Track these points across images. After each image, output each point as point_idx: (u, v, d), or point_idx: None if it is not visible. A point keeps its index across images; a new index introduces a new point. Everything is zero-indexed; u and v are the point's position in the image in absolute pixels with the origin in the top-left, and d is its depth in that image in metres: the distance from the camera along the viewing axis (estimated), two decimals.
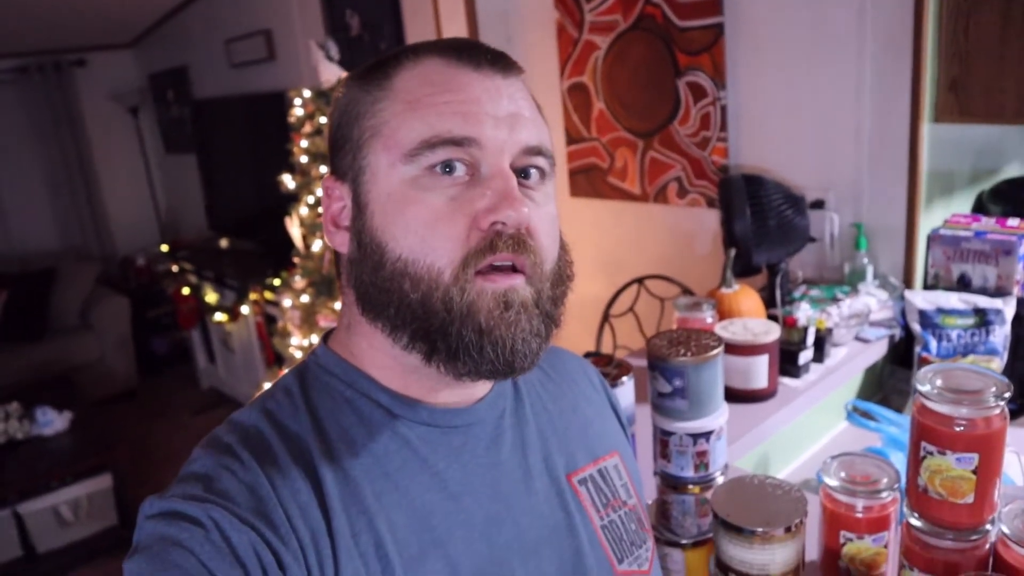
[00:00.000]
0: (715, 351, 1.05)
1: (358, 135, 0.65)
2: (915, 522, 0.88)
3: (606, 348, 2.39)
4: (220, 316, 4.31)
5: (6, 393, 3.71)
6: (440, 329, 0.61)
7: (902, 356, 1.83)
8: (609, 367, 1.21)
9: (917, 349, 1.72)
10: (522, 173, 0.64)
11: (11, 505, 3.04)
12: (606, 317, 2.41)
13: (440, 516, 0.65)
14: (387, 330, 0.64)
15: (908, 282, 1.90)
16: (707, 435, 1.06)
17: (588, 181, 2.73)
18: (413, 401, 0.67)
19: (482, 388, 0.71)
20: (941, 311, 1.69)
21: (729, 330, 1.52)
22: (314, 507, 0.60)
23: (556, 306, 0.66)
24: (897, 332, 1.78)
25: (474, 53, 0.65)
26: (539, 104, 0.69)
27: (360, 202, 0.65)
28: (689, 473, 1.08)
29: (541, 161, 0.66)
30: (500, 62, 0.65)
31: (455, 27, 2.88)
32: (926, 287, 1.86)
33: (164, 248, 5.46)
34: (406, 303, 0.62)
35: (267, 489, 0.59)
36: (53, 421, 3.38)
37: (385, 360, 0.67)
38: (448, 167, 0.61)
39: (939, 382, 0.84)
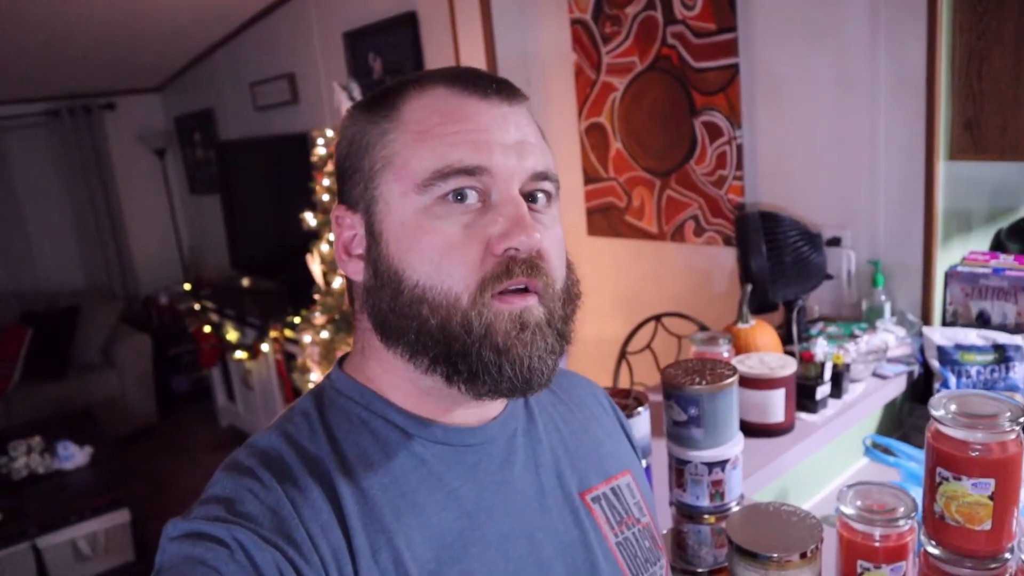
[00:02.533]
0: (730, 380, 1.05)
1: (368, 166, 0.67)
2: (932, 550, 0.88)
3: (623, 384, 2.39)
4: (240, 354, 4.35)
5: (29, 427, 3.75)
6: (460, 351, 0.63)
7: (921, 393, 1.82)
8: (627, 399, 1.22)
9: (936, 386, 1.71)
10: (530, 197, 0.67)
11: (30, 538, 3.04)
12: (623, 354, 2.41)
13: (456, 533, 0.66)
14: (407, 355, 0.66)
15: (926, 319, 1.90)
16: (722, 464, 1.07)
17: (606, 220, 2.76)
18: (428, 421, 0.69)
19: (495, 408, 0.73)
20: (960, 347, 1.69)
21: (745, 364, 1.52)
22: (334, 526, 0.61)
23: (567, 324, 0.68)
24: (915, 369, 1.78)
25: (480, 82, 0.67)
26: (541, 128, 0.71)
27: (374, 231, 0.66)
28: (705, 503, 1.08)
29: (547, 185, 0.68)
30: (505, 90, 0.67)
31: None
32: (944, 324, 1.85)
33: (187, 287, 5.54)
34: (426, 328, 0.63)
35: (289, 509, 0.60)
36: (74, 456, 3.40)
37: (400, 382, 0.69)
38: (460, 195, 0.63)
39: (953, 407, 0.84)
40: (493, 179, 0.64)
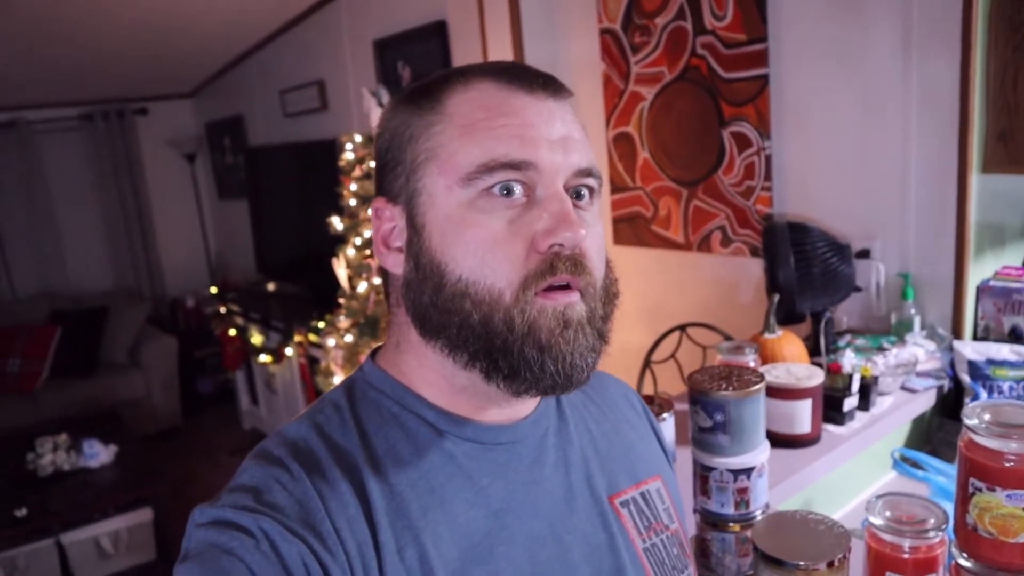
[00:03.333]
0: (757, 386, 1.04)
1: (412, 158, 0.66)
2: (964, 563, 0.86)
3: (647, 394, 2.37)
4: (265, 357, 4.38)
5: (56, 425, 3.80)
6: (502, 348, 0.62)
7: (951, 408, 1.79)
8: (652, 406, 1.21)
9: (967, 400, 1.68)
10: (575, 194, 0.66)
11: (54, 535, 3.08)
12: (647, 363, 2.40)
13: (483, 532, 0.65)
14: (446, 349, 0.65)
15: (957, 333, 1.87)
16: (748, 471, 1.06)
17: (632, 230, 2.75)
18: (459, 418, 0.68)
19: (526, 407, 0.72)
20: (992, 362, 1.66)
21: (772, 374, 1.50)
22: (361, 520, 0.61)
23: (605, 323, 0.68)
24: (946, 383, 1.75)
25: (526, 77, 0.66)
26: (583, 125, 0.71)
27: (416, 224, 0.66)
28: (730, 510, 1.07)
29: (591, 181, 0.67)
30: (551, 85, 0.67)
31: None
32: (976, 339, 1.83)
33: (213, 290, 5.59)
34: (468, 323, 0.63)
35: (316, 501, 0.60)
36: (99, 454, 3.44)
37: (434, 378, 0.68)
38: (506, 189, 0.63)
39: (987, 416, 0.82)
40: (539, 174, 0.63)
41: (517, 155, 0.62)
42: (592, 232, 0.66)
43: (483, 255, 0.62)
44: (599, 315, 0.66)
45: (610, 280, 0.70)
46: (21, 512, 3.01)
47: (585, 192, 0.67)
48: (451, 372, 0.67)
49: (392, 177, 0.68)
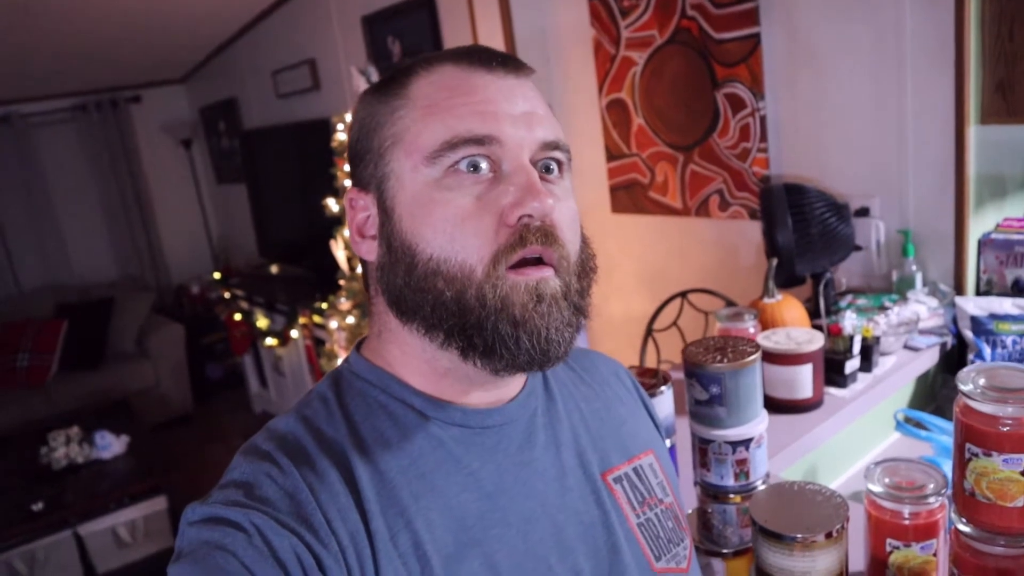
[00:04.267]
0: (752, 357, 1.03)
1: (379, 144, 0.67)
2: (963, 528, 0.85)
3: (650, 362, 2.37)
4: (271, 341, 4.38)
5: (67, 418, 3.82)
6: (476, 324, 0.62)
7: (955, 365, 1.77)
8: (655, 379, 1.20)
9: (971, 357, 1.67)
10: (544, 168, 0.66)
11: (72, 527, 3.11)
12: (649, 331, 2.39)
13: (476, 515, 0.65)
14: (422, 330, 0.65)
15: (959, 288, 1.85)
16: (746, 443, 1.05)
17: (629, 197, 2.72)
18: (446, 403, 0.68)
19: (513, 388, 0.72)
20: (995, 317, 1.65)
21: (772, 340, 1.49)
22: (352, 510, 0.61)
23: (583, 298, 0.67)
24: (949, 340, 1.74)
25: (485, 56, 0.67)
26: (550, 104, 0.71)
27: (386, 208, 0.67)
28: (729, 482, 1.06)
29: (559, 154, 0.67)
30: (511, 63, 0.68)
31: None
32: (979, 293, 1.81)
33: (216, 276, 5.59)
34: (441, 301, 0.63)
35: (306, 494, 0.60)
36: (111, 445, 3.46)
37: (417, 364, 0.69)
38: (472, 166, 0.63)
39: (982, 381, 0.81)
40: (503, 149, 0.63)
41: (479, 130, 0.63)
42: (562, 206, 0.66)
43: (452, 232, 0.62)
44: (575, 289, 0.66)
45: (587, 255, 0.70)
46: (38, 506, 3.05)
47: (554, 166, 0.67)
48: (432, 355, 0.67)
49: (362, 166, 0.69)
